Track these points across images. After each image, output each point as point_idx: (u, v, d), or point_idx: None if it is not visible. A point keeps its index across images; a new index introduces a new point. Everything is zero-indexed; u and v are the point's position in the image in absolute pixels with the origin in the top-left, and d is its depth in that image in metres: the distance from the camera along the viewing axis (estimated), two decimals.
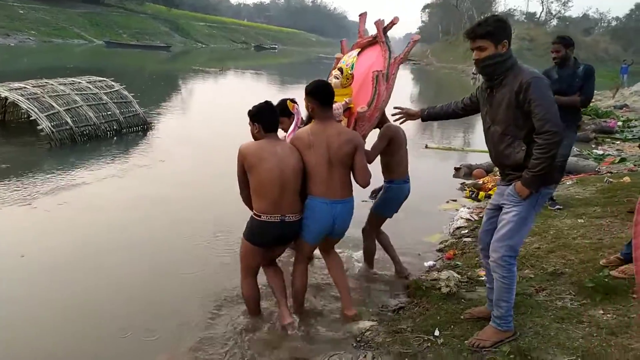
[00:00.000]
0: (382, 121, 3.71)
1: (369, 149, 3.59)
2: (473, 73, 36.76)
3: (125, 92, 9.97)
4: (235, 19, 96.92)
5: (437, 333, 3.08)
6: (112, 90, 9.79)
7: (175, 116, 12.51)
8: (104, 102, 9.28)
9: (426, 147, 9.94)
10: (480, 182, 6.99)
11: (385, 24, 3.71)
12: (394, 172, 3.83)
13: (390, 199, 3.91)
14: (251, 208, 3.20)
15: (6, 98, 8.10)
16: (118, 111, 9.43)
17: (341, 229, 3.32)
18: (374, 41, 3.81)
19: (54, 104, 8.30)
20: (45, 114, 8.04)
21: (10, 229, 5.00)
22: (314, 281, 3.97)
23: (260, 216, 3.10)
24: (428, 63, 58.22)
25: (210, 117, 12.59)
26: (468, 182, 7.33)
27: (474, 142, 11.26)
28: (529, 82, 2.55)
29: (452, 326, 3.13)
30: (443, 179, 7.74)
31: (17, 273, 4.05)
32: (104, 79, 10.03)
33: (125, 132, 9.41)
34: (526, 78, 2.57)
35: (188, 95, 18.56)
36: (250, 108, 3.19)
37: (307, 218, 3.20)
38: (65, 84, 9.04)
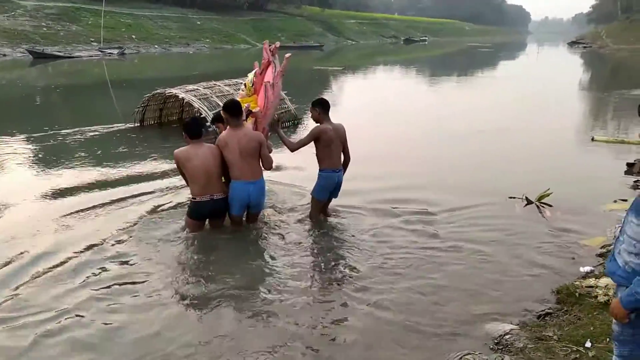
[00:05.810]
0: (319, 120, 4.69)
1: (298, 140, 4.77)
2: None
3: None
4: (386, 13, 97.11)
5: (588, 344, 2.78)
6: None
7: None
8: None
9: (593, 139, 8.85)
10: None
11: (271, 48, 4.94)
12: (323, 162, 4.71)
13: (322, 185, 4.77)
14: None
15: (183, 99, 9.37)
16: None
17: (256, 202, 4.57)
18: (269, 62, 5.00)
19: (220, 103, 9.34)
20: (213, 112, 9.09)
21: None
22: (442, 283, 3.88)
23: (195, 198, 4.38)
24: (602, 45, 51.33)
25: (351, 110, 12.94)
26: None
27: None
28: None
29: (607, 339, 2.78)
30: (612, 176, 6.79)
31: None
32: None
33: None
34: None
35: (338, 92, 19.24)
36: (184, 123, 4.53)
37: (230, 196, 4.45)
38: (229, 85, 10.10)
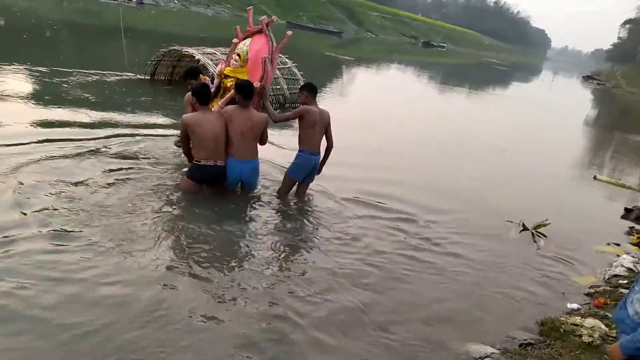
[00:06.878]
0: (306, 103, 4.78)
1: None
2: None
3: (295, 70, 10.62)
4: (410, 12, 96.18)
5: None
6: (285, 66, 10.51)
7: (330, 98, 12.96)
8: (276, 76, 10.01)
9: (595, 178, 8.87)
10: None
11: (267, 20, 4.92)
12: (303, 144, 4.82)
13: (298, 165, 4.88)
14: (190, 159, 4.58)
15: (199, 60, 9.22)
16: (286, 87, 10.11)
17: (248, 180, 4.75)
18: (259, 31, 4.95)
19: None
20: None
21: None
22: (423, 299, 3.86)
23: (200, 161, 4.43)
24: (616, 85, 51.39)
25: (360, 101, 12.90)
26: (639, 227, 6.37)
27: None
28: None
29: None
30: (607, 218, 6.83)
31: None
32: (280, 55, 10.78)
33: (287, 107, 10.06)
34: None
35: (349, 81, 19.10)
36: (194, 87, 4.54)
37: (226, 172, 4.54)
38: None
